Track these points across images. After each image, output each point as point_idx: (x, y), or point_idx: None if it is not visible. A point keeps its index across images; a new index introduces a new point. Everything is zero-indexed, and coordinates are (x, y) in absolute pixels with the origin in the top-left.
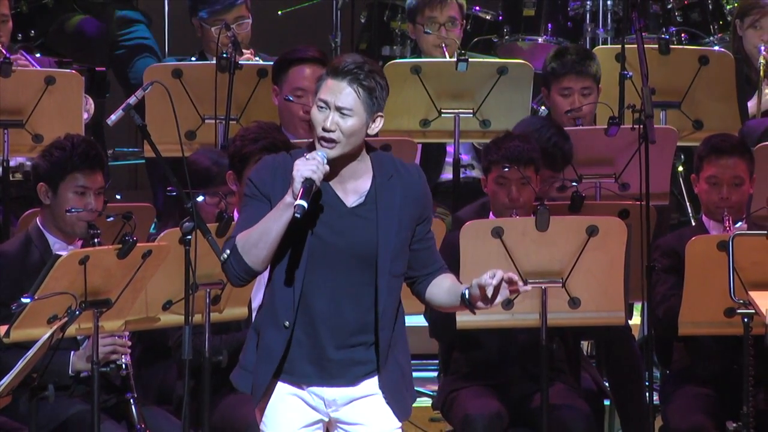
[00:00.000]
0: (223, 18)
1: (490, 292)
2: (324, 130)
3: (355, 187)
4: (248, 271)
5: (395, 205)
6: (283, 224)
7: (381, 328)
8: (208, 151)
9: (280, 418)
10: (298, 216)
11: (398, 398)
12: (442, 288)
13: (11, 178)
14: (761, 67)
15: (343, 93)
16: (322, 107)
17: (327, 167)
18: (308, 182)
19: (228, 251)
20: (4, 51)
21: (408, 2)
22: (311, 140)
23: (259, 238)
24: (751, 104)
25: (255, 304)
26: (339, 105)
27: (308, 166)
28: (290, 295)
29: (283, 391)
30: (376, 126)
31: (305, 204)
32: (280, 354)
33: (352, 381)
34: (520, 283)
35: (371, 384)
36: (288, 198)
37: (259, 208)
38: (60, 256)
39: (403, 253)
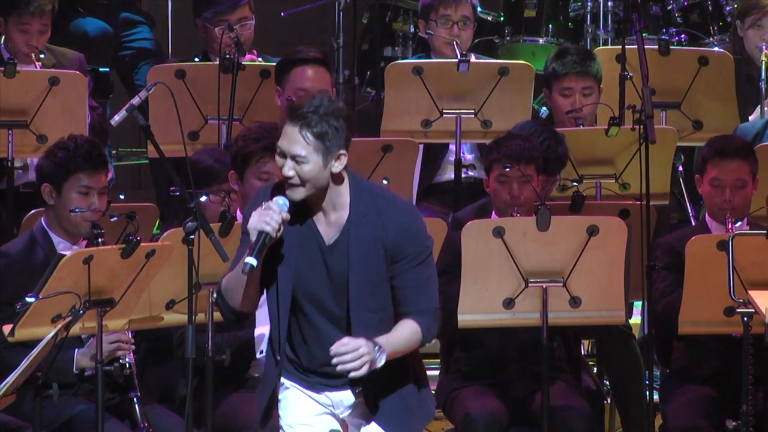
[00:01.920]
0: (226, 18)
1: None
2: (284, 177)
3: (336, 219)
4: (234, 312)
5: (367, 243)
6: (247, 275)
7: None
8: (210, 150)
9: (293, 408)
10: (245, 274)
11: (399, 424)
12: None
13: (21, 190)
14: (763, 66)
15: (295, 141)
16: (280, 154)
17: (287, 215)
18: (262, 235)
19: (215, 294)
20: (36, 63)
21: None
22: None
23: (234, 285)
24: (753, 117)
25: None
26: (292, 153)
27: (262, 218)
28: (277, 331)
29: (291, 383)
30: (340, 164)
31: (254, 262)
32: (274, 383)
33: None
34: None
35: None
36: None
37: (246, 245)
38: (64, 255)
39: (380, 289)
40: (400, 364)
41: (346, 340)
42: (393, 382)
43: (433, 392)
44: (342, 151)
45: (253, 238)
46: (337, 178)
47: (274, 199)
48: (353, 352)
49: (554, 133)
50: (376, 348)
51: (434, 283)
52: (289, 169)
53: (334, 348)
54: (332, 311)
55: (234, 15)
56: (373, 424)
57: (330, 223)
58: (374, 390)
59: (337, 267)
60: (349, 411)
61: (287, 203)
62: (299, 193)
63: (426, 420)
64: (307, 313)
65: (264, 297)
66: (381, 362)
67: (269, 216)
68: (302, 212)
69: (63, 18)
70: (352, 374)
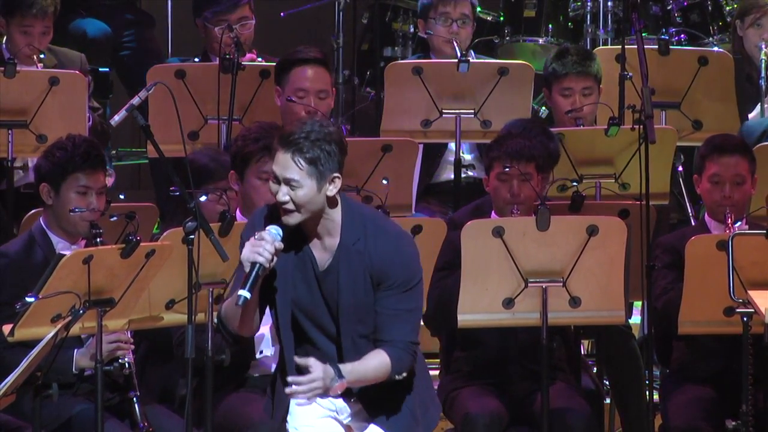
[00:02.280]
0: (226, 18)
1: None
2: (279, 202)
3: (330, 244)
4: (235, 337)
5: (356, 270)
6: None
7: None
8: (205, 149)
9: (299, 411)
10: (240, 305)
11: (401, 429)
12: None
13: (21, 191)
14: (762, 65)
15: (288, 166)
16: (274, 180)
17: (280, 244)
18: (254, 266)
19: (216, 320)
20: (37, 64)
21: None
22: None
23: (233, 313)
24: (753, 114)
25: None
26: (286, 178)
27: (255, 249)
28: (282, 359)
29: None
30: (335, 186)
31: (247, 295)
32: (287, 403)
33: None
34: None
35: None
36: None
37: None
38: (64, 255)
39: (371, 315)
40: (401, 384)
41: (312, 363)
42: (393, 390)
43: None
44: (336, 174)
45: (247, 269)
46: (331, 202)
47: (267, 228)
48: (306, 385)
49: (545, 129)
50: (334, 378)
51: (415, 317)
52: (283, 195)
53: (292, 377)
54: (330, 332)
55: (234, 15)
56: (375, 427)
57: (324, 248)
58: (373, 398)
59: (330, 292)
60: (351, 418)
61: (280, 232)
62: (294, 218)
63: (429, 428)
64: (308, 332)
65: None
66: (338, 391)
67: (262, 247)
68: (298, 237)
69: (63, 19)
70: (298, 402)
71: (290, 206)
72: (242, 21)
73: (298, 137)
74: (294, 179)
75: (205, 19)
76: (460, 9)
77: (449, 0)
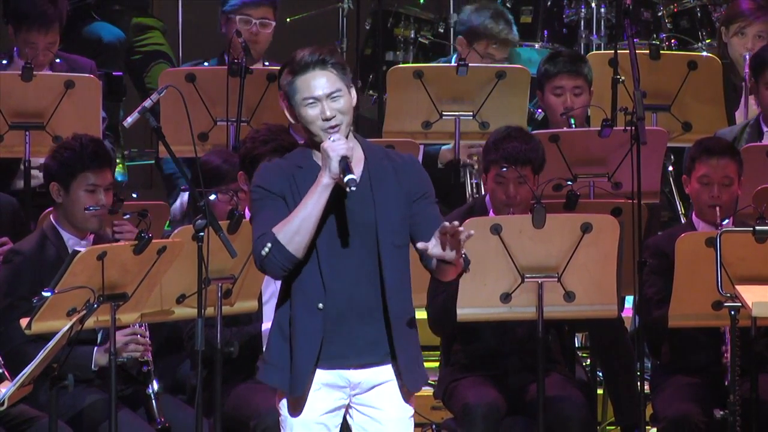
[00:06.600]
0: (249, 13)
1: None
2: (326, 120)
3: (354, 163)
4: (291, 259)
5: (388, 183)
6: (323, 205)
7: (389, 297)
8: (219, 151)
9: (309, 403)
10: (354, 189)
11: (411, 370)
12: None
13: (38, 190)
14: (747, 75)
15: (326, 78)
16: (312, 103)
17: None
18: (344, 160)
19: (269, 245)
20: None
21: (471, 20)
22: (305, 142)
23: (300, 224)
24: (738, 114)
25: (265, 297)
26: (329, 92)
27: (342, 145)
28: (317, 277)
29: (317, 379)
30: (354, 97)
31: (356, 177)
32: (320, 337)
33: (381, 359)
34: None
35: (391, 369)
36: (324, 179)
37: (276, 205)
38: (78, 252)
39: (403, 226)
40: (415, 322)
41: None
42: (413, 337)
43: (433, 383)
44: (351, 84)
45: (336, 164)
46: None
47: (335, 135)
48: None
49: (528, 135)
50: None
51: None
52: (332, 110)
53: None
54: (355, 253)
55: (258, 11)
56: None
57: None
58: (405, 340)
59: (360, 209)
60: (364, 391)
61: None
62: (344, 132)
63: (425, 379)
64: (329, 259)
65: (273, 289)
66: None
67: (345, 144)
68: (315, 166)
69: (77, 24)
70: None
71: (337, 120)
72: (264, 20)
73: (313, 54)
74: (336, 89)
75: (232, 9)
76: (502, 53)
77: (501, 46)
